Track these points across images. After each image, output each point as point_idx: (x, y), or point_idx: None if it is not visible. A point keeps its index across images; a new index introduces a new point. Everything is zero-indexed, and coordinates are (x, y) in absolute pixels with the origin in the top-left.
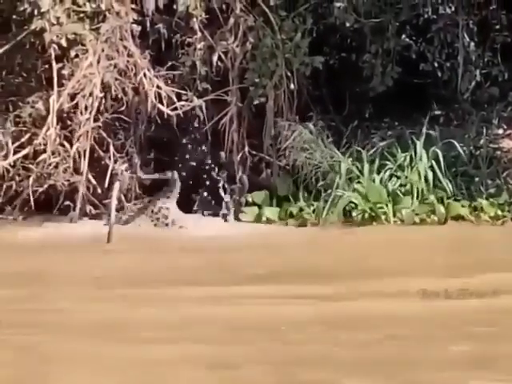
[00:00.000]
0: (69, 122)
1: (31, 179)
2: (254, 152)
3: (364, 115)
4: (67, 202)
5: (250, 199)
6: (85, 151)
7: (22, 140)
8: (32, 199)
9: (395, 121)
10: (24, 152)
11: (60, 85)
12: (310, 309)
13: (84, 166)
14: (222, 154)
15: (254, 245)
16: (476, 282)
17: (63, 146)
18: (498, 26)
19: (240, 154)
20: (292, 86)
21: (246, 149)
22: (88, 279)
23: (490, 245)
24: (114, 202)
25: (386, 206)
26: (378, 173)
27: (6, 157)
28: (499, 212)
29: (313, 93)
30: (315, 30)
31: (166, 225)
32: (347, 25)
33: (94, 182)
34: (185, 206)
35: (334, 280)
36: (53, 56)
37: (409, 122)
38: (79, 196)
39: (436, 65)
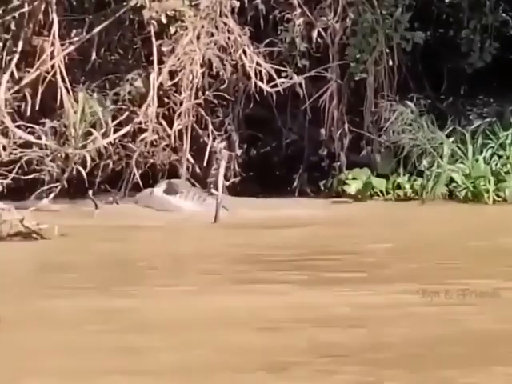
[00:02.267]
0: (166, 100)
1: (134, 158)
2: (355, 129)
3: (459, 92)
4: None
5: (349, 176)
6: (187, 128)
7: (121, 118)
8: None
9: (490, 98)
10: (125, 130)
11: (159, 62)
12: None
13: (186, 144)
14: (322, 131)
15: None
16: None
17: (161, 124)
18: None
19: (340, 131)
20: (391, 62)
21: (346, 126)
22: None
23: None
24: (221, 181)
25: (489, 183)
26: (481, 152)
27: (105, 135)
28: None
29: (411, 69)
30: (414, 6)
31: None
32: (445, 0)
33: (192, 160)
34: (284, 184)
35: None
36: (152, 33)
37: (505, 99)
38: (183, 174)
39: None
